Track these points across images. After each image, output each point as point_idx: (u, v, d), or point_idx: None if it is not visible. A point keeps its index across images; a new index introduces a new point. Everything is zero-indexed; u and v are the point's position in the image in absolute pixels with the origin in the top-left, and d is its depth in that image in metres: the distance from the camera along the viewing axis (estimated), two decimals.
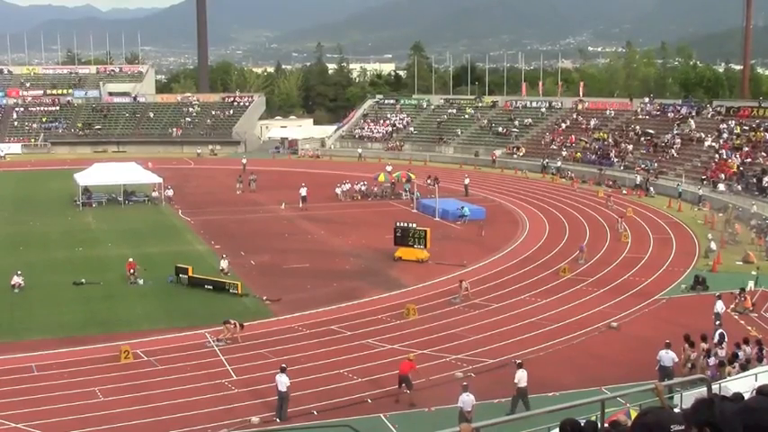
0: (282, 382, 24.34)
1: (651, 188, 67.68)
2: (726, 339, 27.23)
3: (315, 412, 24.55)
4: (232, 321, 31.60)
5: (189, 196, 67.32)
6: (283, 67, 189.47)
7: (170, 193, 66.04)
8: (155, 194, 65.87)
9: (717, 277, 39.37)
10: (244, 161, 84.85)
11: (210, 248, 48.05)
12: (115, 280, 40.39)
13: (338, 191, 66.35)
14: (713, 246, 45.12)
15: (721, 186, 62.88)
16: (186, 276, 39.39)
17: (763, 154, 65.01)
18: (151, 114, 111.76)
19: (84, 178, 64.82)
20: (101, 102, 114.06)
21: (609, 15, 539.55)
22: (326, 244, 49.60)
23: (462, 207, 57.09)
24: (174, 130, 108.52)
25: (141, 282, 39.89)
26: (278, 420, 24.00)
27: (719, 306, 31.31)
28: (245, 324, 31.68)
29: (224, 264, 41.84)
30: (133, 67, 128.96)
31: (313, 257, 45.44)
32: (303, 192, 62.02)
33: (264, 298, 37.18)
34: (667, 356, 25.44)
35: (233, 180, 73.36)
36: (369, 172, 73.29)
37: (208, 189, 72.52)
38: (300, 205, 61.14)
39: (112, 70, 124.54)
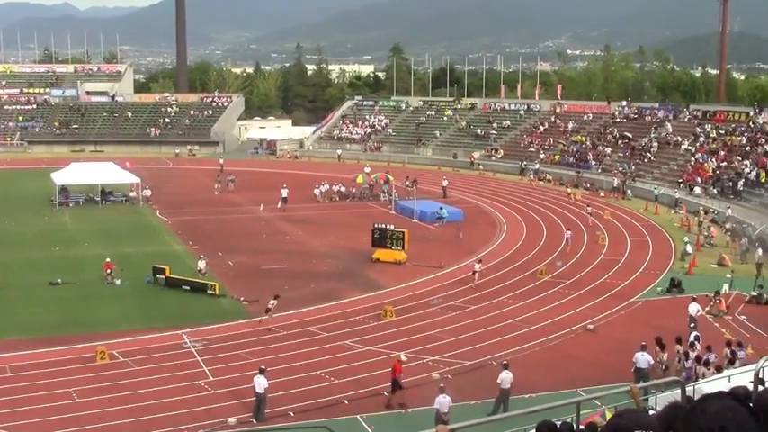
0: (260, 383, 24.27)
1: (628, 191, 68.07)
2: (700, 342, 27.41)
3: (292, 413, 24.52)
4: (271, 304, 32.72)
5: (167, 196, 66.99)
6: (262, 67, 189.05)
7: (148, 193, 65.72)
8: (132, 194, 65.53)
9: (692, 280, 39.64)
10: (221, 161, 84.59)
11: (188, 249, 47.84)
12: (92, 280, 40.13)
13: (316, 192, 66.28)
14: (689, 249, 45.45)
15: (697, 190, 63.37)
16: (163, 277, 39.21)
17: (739, 158, 65.53)
18: (129, 114, 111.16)
19: (62, 178, 64.40)
20: (78, 101, 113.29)
21: (587, 19, 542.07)
22: (304, 245, 49.53)
23: (441, 209, 57.16)
24: (153, 129, 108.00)
25: (118, 282, 39.66)
26: (254, 421, 23.94)
27: (694, 308, 31.52)
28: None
29: (201, 264, 41.69)
30: (111, 66, 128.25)
31: (291, 258, 45.36)
32: (284, 193, 61.89)
33: (242, 299, 37.07)
34: (643, 358, 25.59)
35: (211, 180, 73.13)
36: (347, 173, 73.25)
37: (186, 189, 72.20)
38: (279, 206, 60.99)
39: (90, 69, 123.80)
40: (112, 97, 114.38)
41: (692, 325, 29.76)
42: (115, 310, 35.64)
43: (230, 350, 29.94)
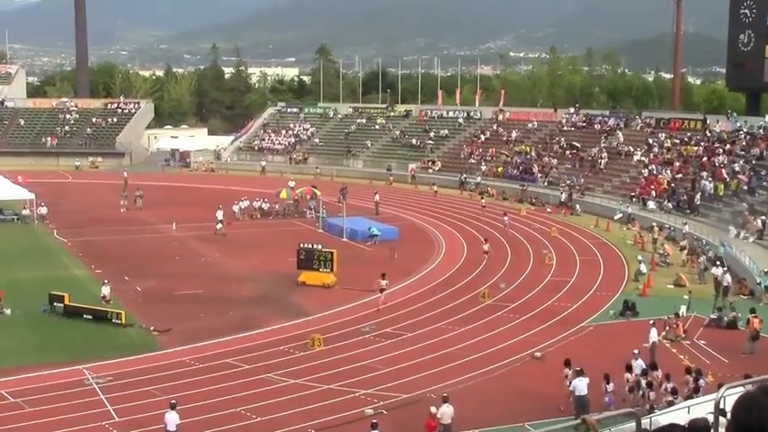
0: (171, 420, 24.01)
1: (577, 206, 69.00)
2: (658, 370, 27.74)
3: None
4: (383, 284, 38.33)
5: (66, 214, 65.96)
6: (174, 70, 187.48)
7: (44, 210, 64.61)
8: (25, 212, 64.33)
9: (647, 302, 40.31)
10: (125, 174, 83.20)
11: (90, 273, 47.14)
12: None
13: (235, 208, 65.81)
14: (643, 268, 46.21)
15: (651, 204, 64.50)
16: (62, 305, 38.53)
17: (695, 169, 66.83)
18: (22, 121, 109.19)
19: None
20: None
21: (532, 19, 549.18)
22: (222, 268, 49.17)
23: (369, 229, 57.35)
24: (49, 139, 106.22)
25: (9, 312, 38.82)
26: None
27: (654, 334, 31.76)
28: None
29: (106, 290, 41.05)
30: (0, 66, 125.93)
31: (207, 283, 44.97)
32: (220, 215, 59.83)
33: (152, 328, 36.61)
34: (581, 384, 25.86)
35: (116, 196, 72.21)
36: (269, 188, 72.97)
37: (88, 206, 71.17)
38: (219, 228, 58.79)
39: None
40: (2, 102, 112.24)
41: (636, 352, 29.41)
42: (5, 343, 34.86)
43: (138, 386, 29.49)
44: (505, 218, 61.45)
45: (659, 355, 30.88)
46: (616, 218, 63.39)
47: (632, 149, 76.11)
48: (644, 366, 27.92)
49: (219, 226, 59.07)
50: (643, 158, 73.52)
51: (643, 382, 26.68)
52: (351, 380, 30.07)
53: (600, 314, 39.18)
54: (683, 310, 37.76)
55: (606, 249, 54.51)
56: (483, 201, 72.09)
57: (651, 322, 33.21)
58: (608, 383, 26.52)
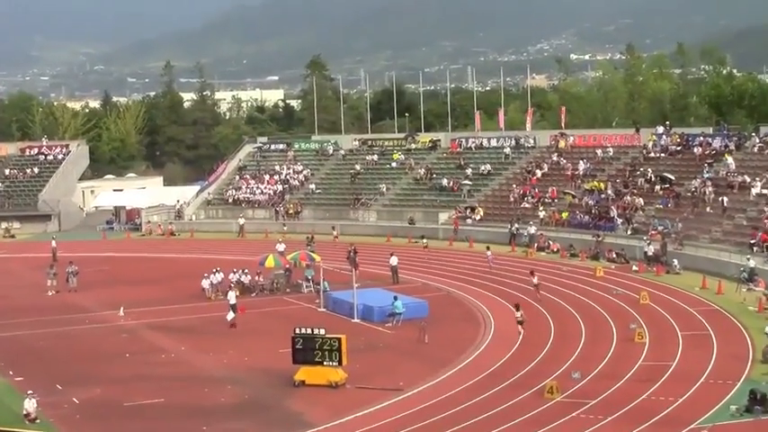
0: None
1: (674, 261, 68.55)
2: None
3: None
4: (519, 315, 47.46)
5: None
6: (115, 99, 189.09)
7: None
8: None
9: None
10: (53, 244, 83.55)
11: (8, 382, 47.07)
12: None
13: (206, 284, 65.84)
14: None
15: None
16: None
17: None
18: None
19: None
20: None
21: (598, 8, 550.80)
22: (190, 366, 49.02)
23: (395, 298, 57.07)
24: None
25: None
26: None
27: None
28: None
29: (29, 405, 40.91)
30: None
31: (170, 388, 44.83)
32: (232, 297, 58.50)
33: None
34: None
35: (42, 275, 72.38)
36: (251, 254, 73.05)
37: (2, 290, 71.34)
38: (230, 319, 57.74)
39: None
40: None
41: None
42: None
43: None
44: (488, 253, 72.64)
45: None
46: (732, 275, 63.00)
47: (749, 179, 75.81)
48: None
49: (231, 315, 57.53)
50: (765, 191, 73.20)
51: None
52: None
53: (717, 411, 38.69)
54: None
55: (720, 319, 54.08)
56: (425, 242, 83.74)
57: None
58: None
